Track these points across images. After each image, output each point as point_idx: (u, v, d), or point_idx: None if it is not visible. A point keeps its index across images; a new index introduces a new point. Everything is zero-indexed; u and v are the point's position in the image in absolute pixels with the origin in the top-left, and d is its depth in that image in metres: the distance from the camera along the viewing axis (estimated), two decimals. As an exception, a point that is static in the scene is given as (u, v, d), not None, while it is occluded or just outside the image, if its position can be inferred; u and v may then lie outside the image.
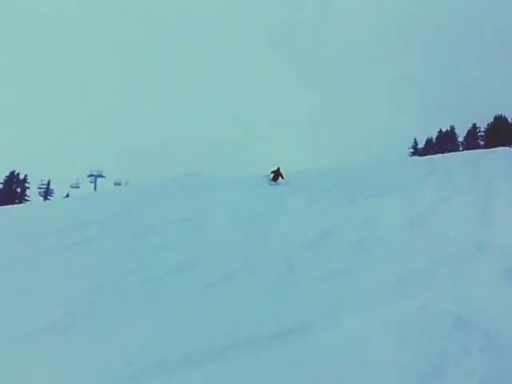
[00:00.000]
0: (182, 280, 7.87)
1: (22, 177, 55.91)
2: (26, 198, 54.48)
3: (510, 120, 54.72)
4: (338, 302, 5.80)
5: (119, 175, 54.77)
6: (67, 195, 48.94)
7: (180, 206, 16.31)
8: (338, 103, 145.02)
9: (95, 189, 52.83)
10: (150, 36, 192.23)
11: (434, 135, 60.74)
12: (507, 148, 27.98)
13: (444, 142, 57.93)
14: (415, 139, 61.63)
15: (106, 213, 16.51)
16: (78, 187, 54.90)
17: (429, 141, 60.17)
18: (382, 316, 5.19)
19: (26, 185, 56.08)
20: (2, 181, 53.81)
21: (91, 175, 56.37)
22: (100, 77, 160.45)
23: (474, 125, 58.61)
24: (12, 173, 54.91)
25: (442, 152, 45.33)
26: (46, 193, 56.93)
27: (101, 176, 56.20)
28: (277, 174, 21.03)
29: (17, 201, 50.56)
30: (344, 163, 24.94)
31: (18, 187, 55.05)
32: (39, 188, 57.24)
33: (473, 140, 56.73)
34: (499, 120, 55.40)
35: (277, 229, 11.51)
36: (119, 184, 47.94)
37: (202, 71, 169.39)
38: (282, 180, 20.39)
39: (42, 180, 57.27)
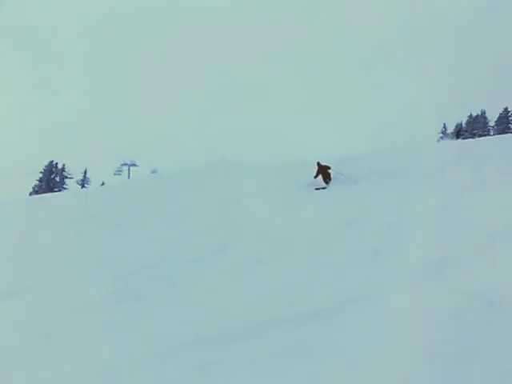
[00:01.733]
0: (217, 261, 8.17)
1: (60, 166, 58.01)
2: (65, 186, 56.48)
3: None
4: (370, 284, 5.88)
5: (153, 164, 55.99)
6: (103, 183, 50.46)
7: (212, 192, 16.63)
8: (367, 87, 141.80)
9: (129, 177, 54.21)
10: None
11: (464, 120, 58.64)
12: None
13: (474, 127, 55.89)
14: (444, 124, 59.72)
15: (140, 200, 17.10)
16: (119, 174, 57.01)
17: (458, 125, 58.11)
18: (413, 297, 5.24)
19: (64, 174, 58.09)
20: (42, 170, 55.95)
21: (125, 164, 57.98)
22: (131, 70, 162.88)
23: (506, 108, 56.16)
24: (51, 162, 57.00)
25: (473, 137, 43.86)
26: (83, 181, 58.84)
27: (134, 165, 57.75)
28: (324, 174, 16.56)
29: (56, 189, 52.51)
30: (374, 149, 24.49)
31: (56, 176, 57.11)
32: (67, 177, 59.13)
33: (504, 124, 54.43)
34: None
35: (308, 213, 11.63)
36: (155, 172, 48.92)
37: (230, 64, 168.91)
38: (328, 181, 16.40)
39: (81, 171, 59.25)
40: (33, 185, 54.70)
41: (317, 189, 15.73)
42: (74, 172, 58.83)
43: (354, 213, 10.66)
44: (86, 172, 59.53)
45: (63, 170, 57.98)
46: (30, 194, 50.72)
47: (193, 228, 11.67)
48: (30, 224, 14.84)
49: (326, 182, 16.37)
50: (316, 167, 16.70)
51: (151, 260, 8.61)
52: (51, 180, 55.98)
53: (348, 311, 5.11)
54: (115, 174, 56.91)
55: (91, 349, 4.79)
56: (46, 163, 56.62)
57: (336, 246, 8.12)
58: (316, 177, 16.67)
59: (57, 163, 57.59)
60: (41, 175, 55.76)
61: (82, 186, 56.78)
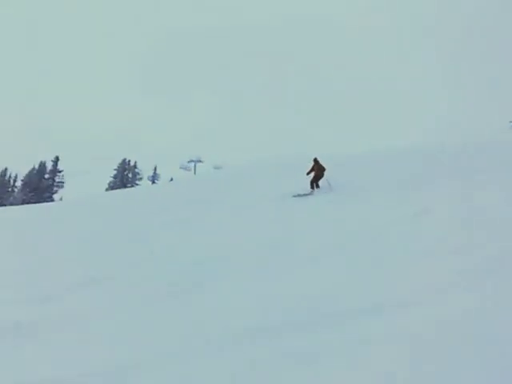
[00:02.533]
0: (277, 254, 8.42)
1: (132, 163, 61.54)
2: (137, 182, 59.86)
3: None
4: (438, 278, 5.69)
5: (217, 160, 57.52)
6: (171, 179, 52.79)
7: (271, 186, 16.85)
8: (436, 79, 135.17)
9: (195, 173, 56.14)
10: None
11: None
12: None
13: None
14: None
15: (205, 194, 17.80)
16: (189, 170, 59.40)
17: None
18: (492, 290, 4.98)
19: (136, 170, 61.55)
20: (116, 167, 59.72)
21: (191, 161, 60.26)
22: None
23: None
24: (124, 160, 60.66)
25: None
26: (154, 177, 61.96)
27: (199, 161, 59.81)
28: (316, 175, 14.74)
29: (129, 185, 55.81)
30: (442, 140, 23.31)
31: (129, 173, 60.67)
32: (139, 174, 62.28)
33: None
34: None
35: (371, 206, 11.46)
36: (218, 168, 50.31)
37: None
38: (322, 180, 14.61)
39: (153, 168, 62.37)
40: (108, 181, 58.60)
41: (295, 196, 13.96)
42: (145, 169, 62.16)
43: (423, 204, 10.38)
44: (155, 169, 62.66)
45: (135, 167, 61.46)
46: (106, 189, 54.34)
47: (253, 221, 12.02)
48: (101, 218, 15.99)
49: (313, 186, 14.64)
50: (312, 163, 15.05)
51: (218, 251, 9.10)
52: (124, 176, 59.59)
53: (423, 304, 4.74)
54: (181, 168, 59.17)
55: (170, 330, 5.12)
56: (120, 161, 60.43)
57: (401, 239, 8.01)
58: (308, 173, 15.06)
59: (129, 161, 61.19)
60: (115, 172, 59.55)
61: (153, 182, 59.82)
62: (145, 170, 62.21)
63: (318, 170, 14.86)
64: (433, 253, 6.81)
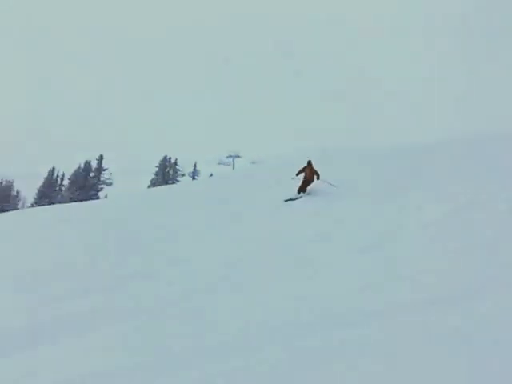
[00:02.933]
0: (326, 246, 8.24)
1: (173, 160, 62.57)
2: (177, 178, 60.80)
3: None
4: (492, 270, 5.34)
5: (254, 155, 57.73)
6: (211, 175, 53.24)
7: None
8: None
9: (233, 168, 56.46)
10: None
11: None
12: None
13: None
14: None
15: (243, 188, 17.68)
16: (228, 165, 60.07)
17: None
18: None
19: (177, 167, 62.54)
20: (158, 164, 60.90)
21: (229, 156, 60.78)
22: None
23: None
24: (165, 157, 61.75)
25: None
26: (194, 173, 62.76)
27: (238, 156, 60.26)
28: (307, 179, 14.05)
29: (170, 182, 56.79)
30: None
31: (170, 170, 61.73)
32: (169, 171, 63.18)
33: None
34: None
35: (414, 199, 10.93)
36: (255, 163, 50.48)
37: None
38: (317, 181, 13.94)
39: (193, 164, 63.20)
40: (150, 178, 59.86)
41: (287, 200, 13.49)
42: (185, 165, 63.03)
43: (468, 196, 9.77)
44: (195, 165, 63.47)
45: (176, 163, 62.43)
46: (148, 186, 55.55)
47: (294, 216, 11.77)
48: (139, 214, 16.17)
49: (300, 191, 13.96)
50: (303, 166, 14.27)
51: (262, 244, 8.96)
52: (166, 173, 60.68)
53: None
54: (219, 164, 59.82)
55: (228, 321, 5.26)
56: (161, 158, 61.57)
57: (446, 231, 7.55)
58: (297, 175, 14.34)
59: (170, 158, 62.23)
60: (156, 169, 60.73)
61: (193, 178, 60.57)
62: (185, 167, 63.13)
63: (310, 174, 14.15)
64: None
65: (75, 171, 54.05)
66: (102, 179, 55.01)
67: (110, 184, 54.77)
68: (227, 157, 61.84)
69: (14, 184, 54.01)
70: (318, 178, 14.01)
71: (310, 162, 14.36)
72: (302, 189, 14.07)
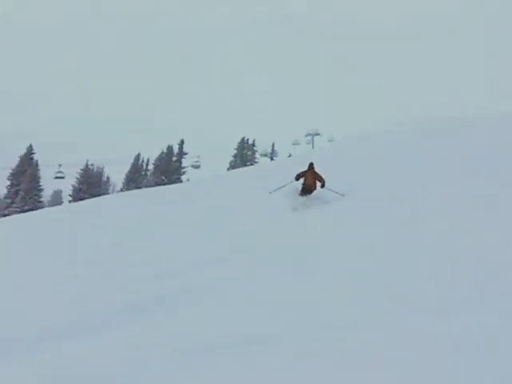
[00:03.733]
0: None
1: (250, 142, 62.45)
2: (256, 160, 60.63)
3: None
4: None
5: (332, 132, 55.62)
6: (289, 155, 52.17)
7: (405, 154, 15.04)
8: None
9: (313, 146, 54.76)
10: None
11: None
12: None
13: None
14: None
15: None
16: (298, 144, 58.78)
17: None
18: None
19: (255, 148, 62.34)
20: (236, 147, 61.15)
21: (308, 134, 58.96)
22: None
23: None
24: (242, 139, 61.82)
25: None
26: (272, 154, 62.09)
27: (317, 134, 58.28)
28: (306, 185, 12.51)
29: (248, 163, 56.75)
30: None
31: (248, 151, 61.72)
32: (247, 153, 62.73)
33: None
34: None
35: None
36: (331, 141, 48.78)
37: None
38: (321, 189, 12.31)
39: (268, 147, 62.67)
40: (229, 160, 60.40)
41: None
42: (263, 146, 62.54)
43: None
44: (273, 145, 62.68)
45: (253, 145, 62.23)
46: (228, 169, 56.06)
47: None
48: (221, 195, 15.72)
49: (302, 194, 12.36)
50: (303, 170, 12.61)
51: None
52: (244, 155, 60.75)
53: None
54: (293, 144, 58.57)
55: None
56: (239, 140, 61.71)
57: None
58: (297, 179, 12.64)
59: (248, 139, 62.15)
60: (235, 151, 61.05)
61: (271, 159, 59.96)
62: (263, 147, 62.61)
63: (311, 180, 12.35)
64: None
65: (159, 156, 56.11)
66: (190, 163, 56.17)
67: (197, 167, 55.96)
68: (306, 135, 60.03)
69: (105, 170, 57.45)
70: (322, 186, 12.24)
71: (311, 166, 12.54)
72: (304, 193, 12.48)
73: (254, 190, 14.34)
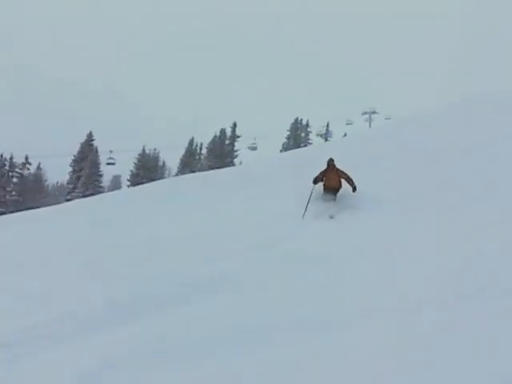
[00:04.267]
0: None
1: (304, 122, 60.97)
2: (309, 141, 59.15)
3: None
4: None
5: (390, 111, 53.14)
6: (345, 135, 50.27)
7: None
8: None
9: (370, 125, 52.52)
10: None
11: None
12: None
13: None
14: None
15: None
16: (351, 123, 56.81)
17: None
18: None
19: (308, 129, 60.82)
20: (289, 128, 59.94)
21: (365, 113, 56.72)
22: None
23: None
24: (296, 119, 60.45)
25: None
26: (326, 134, 60.25)
27: (374, 112, 56.03)
28: (331, 180, 10.34)
29: (302, 144, 55.45)
30: None
31: (301, 132, 60.33)
32: (301, 134, 61.01)
33: None
34: None
35: None
36: (388, 119, 46.77)
37: None
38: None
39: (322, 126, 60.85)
40: (282, 142, 59.43)
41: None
42: (317, 126, 60.84)
43: None
44: (327, 125, 60.73)
45: (307, 125, 60.70)
46: (280, 151, 55.14)
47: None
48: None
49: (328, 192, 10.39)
50: (325, 168, 10.49)
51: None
52: (298, 136, 59.46)
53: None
54: (347, 124, 56.63)
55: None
56: (292, 121, 60.40)
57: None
58: (315, 183, 10.41)
59: (301, 120, 60.68)
60: (288, 133, 59.90)
61: (326, 140, 58.19)
62: (317, 128, 60.91)
63: (333, 180, 10.30)
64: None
65: (212, 140, 56.25)
66: (247, 145, 55.97)
67: (254, 149, 55.76)
68: (362, 113, 57.80)
69: (160, 155, 58.53)
70: (353, 190, 10.02)
71: (331, 163, 10.40)
72: (327, 195, 10.43)
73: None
